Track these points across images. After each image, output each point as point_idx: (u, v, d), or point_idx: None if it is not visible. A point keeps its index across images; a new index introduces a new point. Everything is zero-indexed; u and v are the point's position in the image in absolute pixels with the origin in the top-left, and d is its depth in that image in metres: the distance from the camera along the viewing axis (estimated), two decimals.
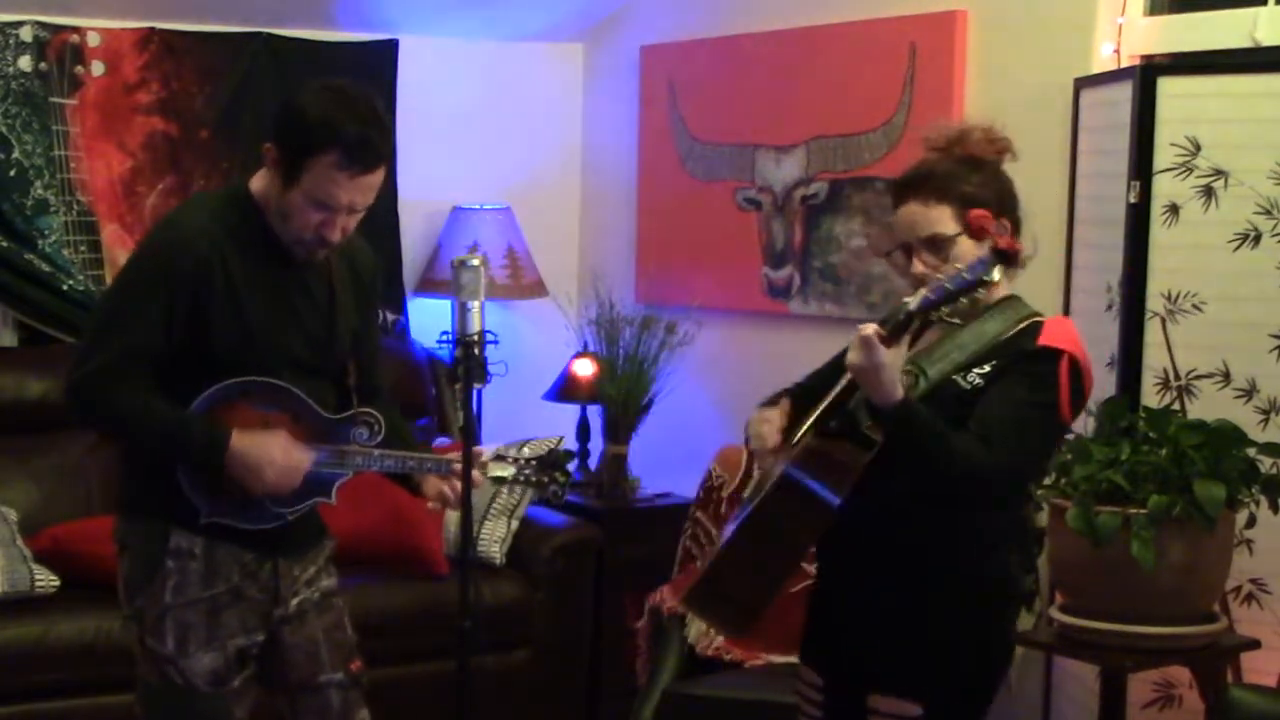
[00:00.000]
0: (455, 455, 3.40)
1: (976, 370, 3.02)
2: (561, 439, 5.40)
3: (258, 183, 3.33)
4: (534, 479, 3.52)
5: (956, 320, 3.01)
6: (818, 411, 3.05)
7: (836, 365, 3.16)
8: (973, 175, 3.07)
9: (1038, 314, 3.11)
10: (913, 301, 2.88)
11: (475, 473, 3.37)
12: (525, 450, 3.54)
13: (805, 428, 3.07)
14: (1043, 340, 3.03)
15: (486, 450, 3.63)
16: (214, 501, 3.30)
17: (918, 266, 3.07)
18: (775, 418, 3.15)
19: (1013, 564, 3.17)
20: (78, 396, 3.28)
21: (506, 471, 3.50)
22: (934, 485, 2.99)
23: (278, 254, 3.31)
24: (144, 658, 3.38)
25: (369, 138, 3.19)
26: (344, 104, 3.21)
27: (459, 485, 3.37)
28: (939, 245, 3.05)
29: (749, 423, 3.19)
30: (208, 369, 3.27)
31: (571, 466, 3.62)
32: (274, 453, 3.26)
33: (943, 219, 3.05)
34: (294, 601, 3.44)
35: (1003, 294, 3.09)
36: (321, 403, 3.37)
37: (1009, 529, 3.17)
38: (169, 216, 3.49)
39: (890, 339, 2.88)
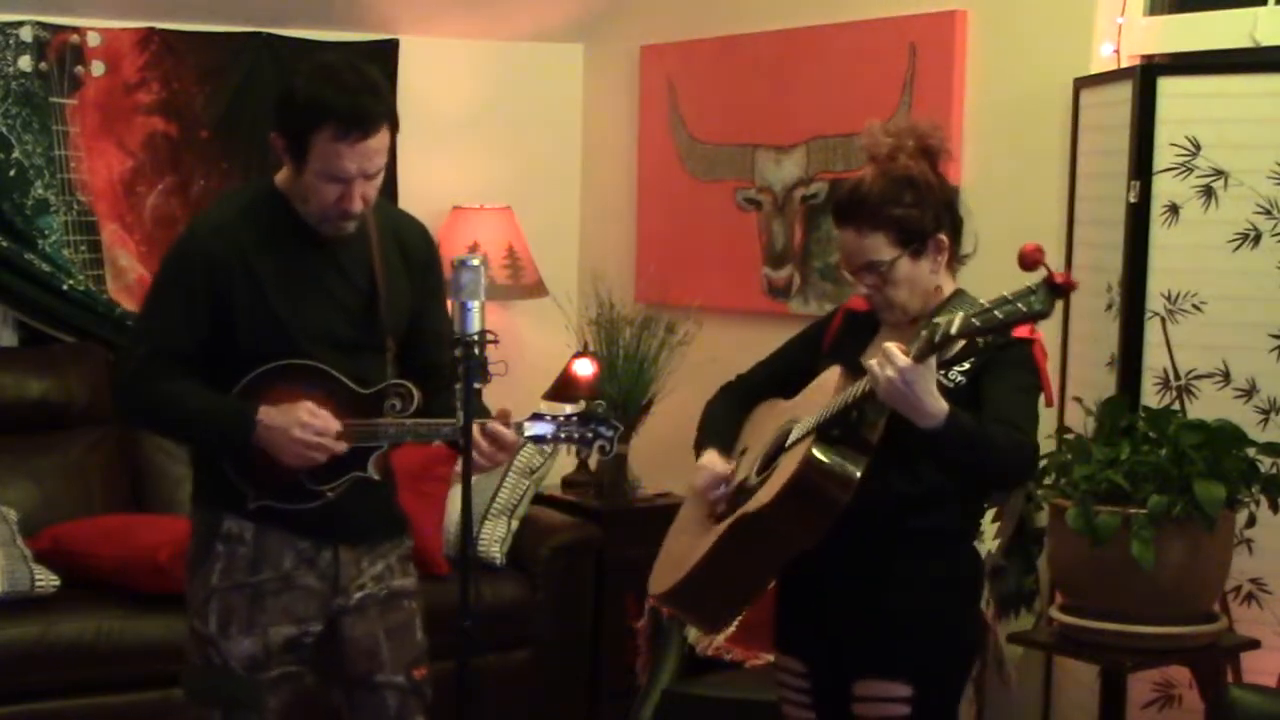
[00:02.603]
0: (490, 418, 3.36)
1: (957, 369, 3.07)
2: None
3: (280, 175, 3.40)
4: (576, 435, 3.44)
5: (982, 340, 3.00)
6: (825, 416, 3.06)
7: (788, 361, 3.34)
8: (905, 195, 3.12)
9: None
10: (953, 325, 2.85)
11: (510, 433, 3.35)
12: (566, 409, 3.48)
13: (805, 434, 3.08)
14: (1015, 333, 3.06)
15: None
16: (258, 485, 3.35)
17: (861, 289, 3.18)
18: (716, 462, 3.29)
19: (978, 553, 3.35)
20: (121, 400, 3.48)
21: (545, 430, 3.43)
22: (978, 480, 3.13)
23: (308, 240, 3.36)
24: (190, 637, 3.46)
25: (359, 104, 3.24)
26: (330, 78, 3.27)
27: (495, 437, 3.33)
28: (878, 270, 3.13)
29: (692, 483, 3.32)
30: (245, 362, 3.33)
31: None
32: (300, 415, 3.29)
33: (877, 246, 3.12)
34: (357, 594, 3.45)
35: (952, 289, 3.18)
36: (364, 380, 3.39)
37: (977, 520, 3.36)
38: (193, 217, 3.61)
39: (919, 356, 2.89)
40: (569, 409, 3.44)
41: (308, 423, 3.28)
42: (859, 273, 3.15)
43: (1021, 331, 3.04)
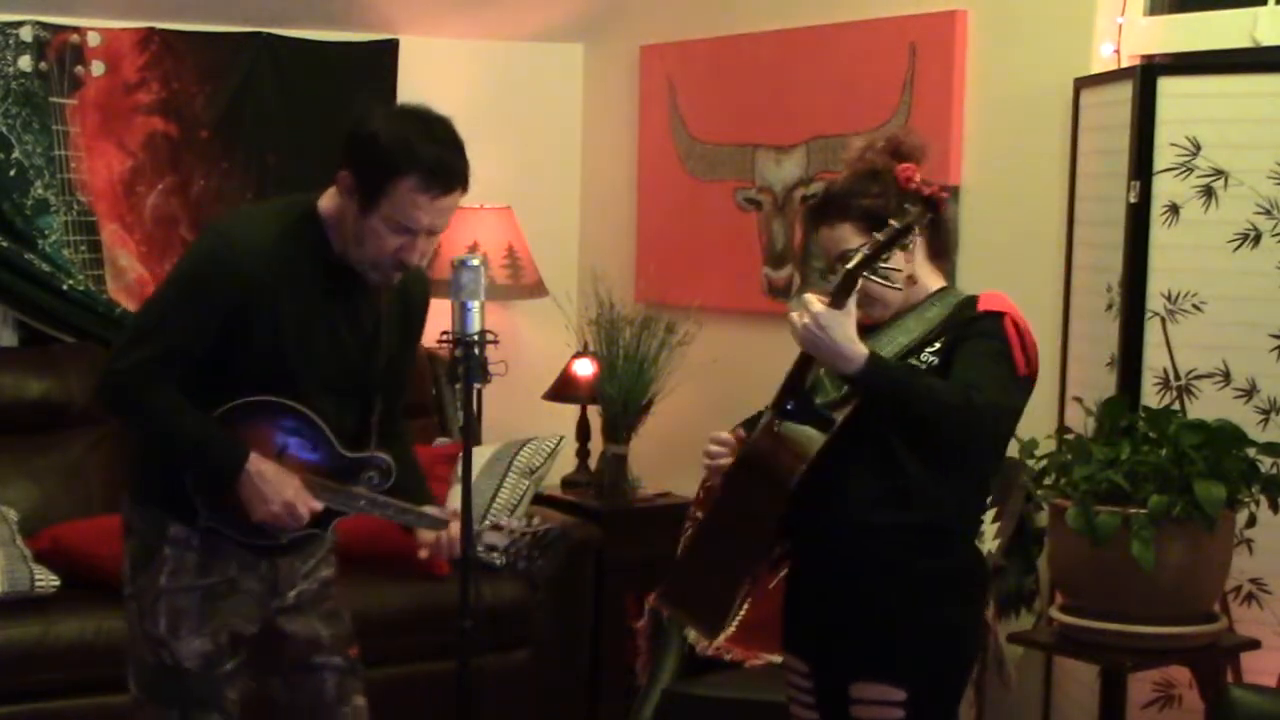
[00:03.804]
0: (443, 512, 3.45)
1: (928, 349, 3.11)
2: (561, 438, 5.40)
3: (327, 202, 3.31)
4: (524, 552, 3.46)
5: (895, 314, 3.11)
6: (775, 394, 3.10)
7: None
8: (871, 187, 3.16)
9: (974, 296, 3.20)
10: (851, 260, 2.97)
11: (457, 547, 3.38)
12: (520, 522, 3.52)
13: (764, 411, 3.12)
14: (982, 307, 3.14)
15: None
16: (213, 511, 3.33)
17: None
18: (726, 437, 3.26)
19: (979, 553, 3.30)
20: (111, 388, 3.33)
21: (500, 541, 3.44)
22: (930, 433, 3.04)
23: (334, 277, 3.31)
24: (140, 638, 3.43)
25: (447, 159, 3.22)
26: (420, 126, 3.24)
27: (449, 541, 3.41)
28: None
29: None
30: (232, 380, 3.29)
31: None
32: (286, 493, 3.28)
33: (846, 236, 3.14)
34: (292, 593, 3.47)
35: (938, 285, 3.21)
36: (342, 424, 3.37)
37: (974, 518, 3.30)
38: (228, 224, 3.45)
39: (834, 301, 2.96)
40: (522, 523, 3.49)
41: (291, 504, 3.27)
42: (835, 267, 3.15)
43: (990, 304, 3.11)
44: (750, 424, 3.26)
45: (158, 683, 3.42)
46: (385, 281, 3.31)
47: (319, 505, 3.32)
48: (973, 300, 3.17)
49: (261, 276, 3.23)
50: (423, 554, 3.51)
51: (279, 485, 3.28)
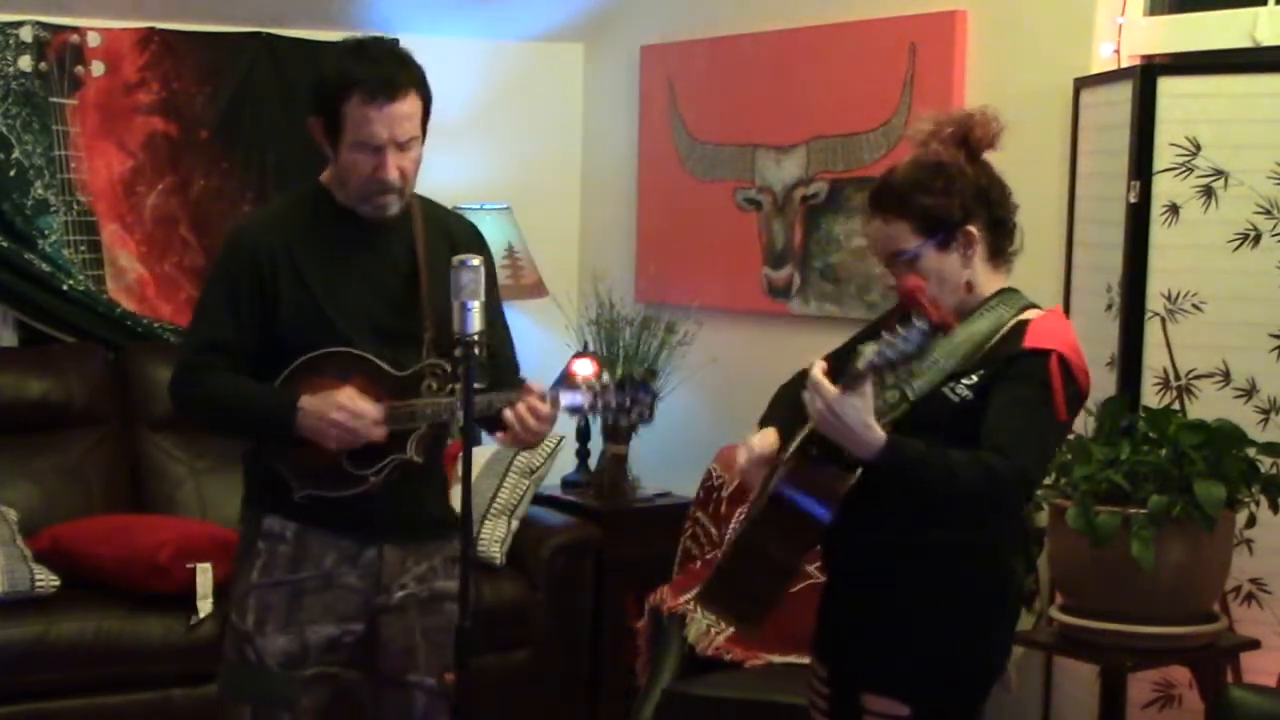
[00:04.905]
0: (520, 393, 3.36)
1: (964, 381, 2.98)
2: (562, 438, 5.40)
3: (324, 172, 3.48)
4: (614, 403, 3.40)
5: (913, 384, 2.93)
6: (801, 435, 3.02)
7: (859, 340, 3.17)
8: (935, 182, 3.00)
9: (1032, 305, 3.07)
10: (862, 360, 2.82)
11: (545, 406, 3.35)
12: (604, 377, 3.45)
13: (791, 450, 3.05)
14: (1028, 342, 2.98)
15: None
16: (302, 475, 3.38)
17: (890, 279, 3.09)
18: (770, 435, 3.15)
19: (1016, 572, 3.14)
20: (173, 393, 3.51)
21: (582, 400, 3.39)
22: (945, 511, 2.96)
23: (350, 225, 3.42)
24: (228, 633, 3.50)
25: (384, 70, 3.33)
26: (354, 49, 3.39)
27: (533, 406, 3.34)
28: (905, 260, 3.02)
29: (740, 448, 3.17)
30: (288, 351, 3.38)
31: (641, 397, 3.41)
32: (340, 399, 3.32)
33: (901, 235, 3.01)
34: (398, 593, 3.47)
35: (996, 288, 3.06)
36: (402, 365, 3.40)
37: (1014, 536, 3.15)
38: (242, 220, 3.77)
39: (849, 388, 2.83)
40: (606, 377, 3.43)
41: (345, 405, 3.31)
42: (887, 263, 3.06)
43: (1038, 340, 2.95)
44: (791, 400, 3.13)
45: (237, 678, 3.46)
46: (379, 211, 3.40)
47: (373, 406, 3.31)
48: (1023, 327, 3.01)
49: (271, 238, 3.40)
50: (501, 437, 3.44)
51: (327, 399, 3.32)
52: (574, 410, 3.42)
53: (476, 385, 3.18)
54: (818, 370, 2.87)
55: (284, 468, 3.40)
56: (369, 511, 3.40)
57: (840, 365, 2.98)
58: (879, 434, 2.85)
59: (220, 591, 4.52)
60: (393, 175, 3.34)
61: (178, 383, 3.47)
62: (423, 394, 3.39)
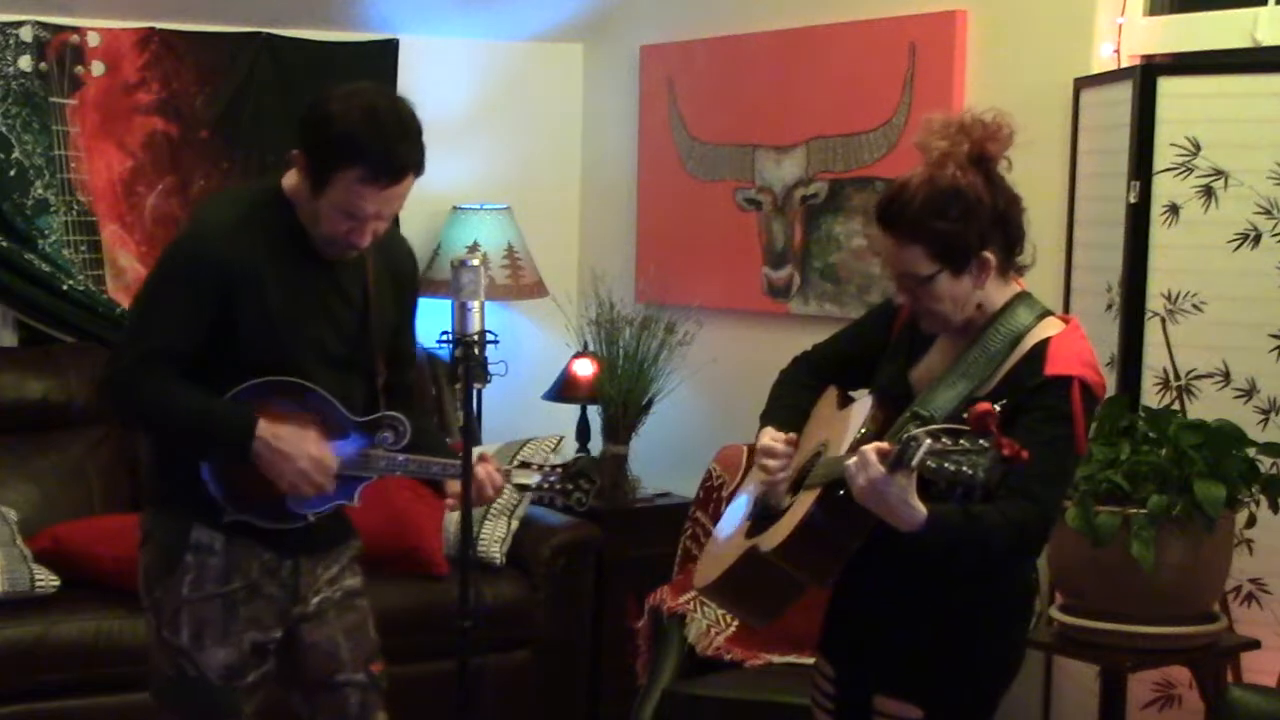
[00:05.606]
0: (476, 456, 3.39)
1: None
2: (561, 438, 5.41)
3: (289, 180, 3.33)
4: (559, 486, 3.47)
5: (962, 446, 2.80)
6: (827, 478, 2.97)
7: (863, 338, 3.22)
8: (950, 208, 2.93)
9: (1048, 313, 3.03)
10: (915, 455, 2.72)
11: (499, 478, 3.40)
12: (551, 457, 3.53)
13: (813, 482, 3.02)
14: (1050, 369, 2.92)
15: (494, 456, 3.60)
16: (237, 500, 3.31)
17: (901, 296, 3.06)
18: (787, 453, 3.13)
19: (1032, 578, 3.14)
20: (110, 392, 3.33)
21: (530, 479, 3.48)
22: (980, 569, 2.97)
23: (310, 251, 3.32)
24: (159, 649, 3.40)
25: (394, 152, 3.19)
26: (370, 118, 3.20)
27: (479, 486, 3.37)
28: (918, 282, 2.99)
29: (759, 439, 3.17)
30: (239, 370, 3.28)
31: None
32: (307, 447, 3.26)
33: (915, 260, 2.96)
34: (314, 600, 3.45)
35: (1006, 297, 3.02)
36: (349, 399, 3.37)
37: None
38: (197, 214, 3.50)
39: (896, 470, 2.77)
40: (553, 458, 3.51)
41: (317, 458, 3.26)
42: (897, 281, 3.03)
43: (1059, 367, 2.91)
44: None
45: (178, 694, 3.40)
46: (341, 256, 3.32)
47: (335, 460, 3.29)
48: (1042, 349, 2.95)
49: (239, 255, 3.24)
50: (450, 505, 3.46)
51: (299, 440, 3.25)
52: (521, 489, 3.58)
53: (405, 456, 3.34)
54: (871, 452, 2.79)
55: (218, 489, 3.30)
56: (289, 530, 3.38)
57: (839, 366, 2.98)
58: (920, 512, 2.80)
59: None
60: (366, 241, 3.27)
61: (122, 384, 3.29)
62: (378, 445, 3.36)
